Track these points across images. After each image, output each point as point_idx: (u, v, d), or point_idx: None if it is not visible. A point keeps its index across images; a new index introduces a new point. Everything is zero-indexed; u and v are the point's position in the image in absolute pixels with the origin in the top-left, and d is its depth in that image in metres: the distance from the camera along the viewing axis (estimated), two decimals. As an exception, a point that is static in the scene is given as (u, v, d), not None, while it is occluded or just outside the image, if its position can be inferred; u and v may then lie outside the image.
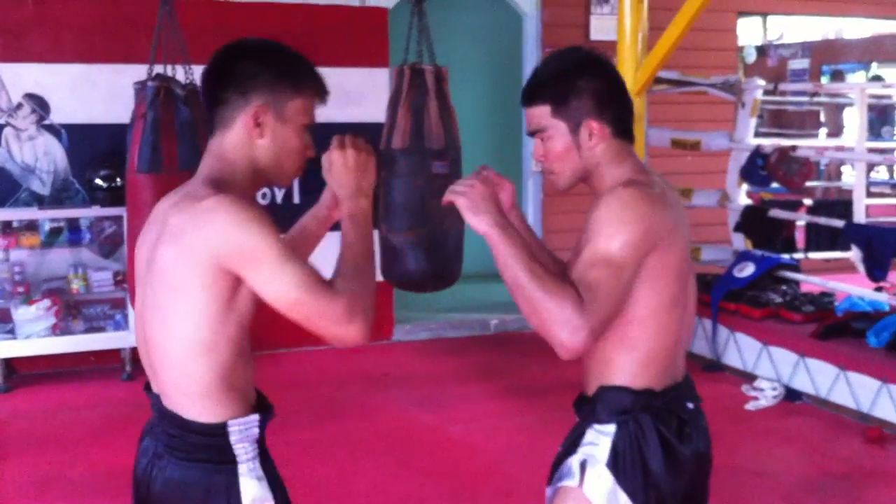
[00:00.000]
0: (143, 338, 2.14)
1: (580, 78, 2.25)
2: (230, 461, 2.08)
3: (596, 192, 2.28)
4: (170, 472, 2.09)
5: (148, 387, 2.21)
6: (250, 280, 1.98)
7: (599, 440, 2.24)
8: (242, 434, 2.09)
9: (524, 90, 2.32)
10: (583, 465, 2.23)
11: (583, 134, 2.25)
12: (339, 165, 2.23)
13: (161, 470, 2.10)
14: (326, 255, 2.31)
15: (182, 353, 2.03)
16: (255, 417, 2.12)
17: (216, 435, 2.07)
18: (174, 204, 2.07)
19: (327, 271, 2.07)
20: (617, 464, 2.20)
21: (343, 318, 1.99)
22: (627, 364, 2.24)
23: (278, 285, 1.96)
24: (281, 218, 2.19)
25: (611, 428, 2.24)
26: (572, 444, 2.31)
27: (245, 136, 2.11)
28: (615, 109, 2.28)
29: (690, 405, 2.33)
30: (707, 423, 2.40)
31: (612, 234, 2.12)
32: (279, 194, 7.22)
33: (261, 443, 2.16)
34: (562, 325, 2.02)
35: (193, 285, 1.98)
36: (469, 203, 2.18)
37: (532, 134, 2.34)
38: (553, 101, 2.25)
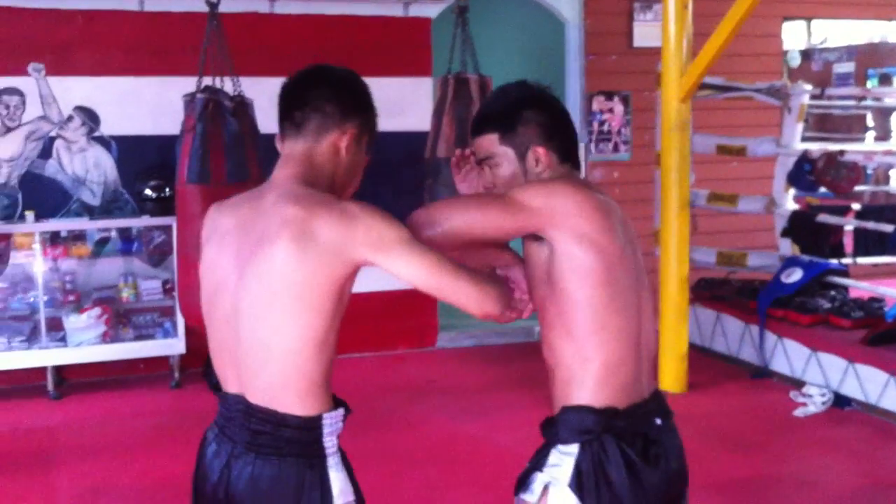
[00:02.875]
0: (232, 337, 2.18)
1: (527, 109, 2.38)
2: (320, 455, 2.16)
3: None
4: (257, 469, 2.13)
5: (217, 387, 2.26)
6: (388, 260, 2.11)
7: (563, 461, 2.25)
8: (332, 428, 2.18)
9: (473, 120, 2.46)
10: (545, 487, 2.26)
11: (530, 160, 2.36)
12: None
13: (243, 468, 2.14)
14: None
15: (297, 347, 2.11)
16: (342, 411, 2.22)
17: (311, 429, 2.15)
18: (285, 204, 2.13)
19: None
20: (580, 484, 2.21)
21: (476, 291, 2.14)
22: (585, 379, 2.26)
23: (417, 261, 2.11)
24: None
25: (574, 448, 2.25)
26: (537, 462, 2.32)
27: (334, 149, 2.27)
28: (560, 138, 2.40)
29: (658, 421, 2.32)
30: (679, 440, 2.39)
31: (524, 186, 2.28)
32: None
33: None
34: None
35: (323, 280, 2.09)
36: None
37: (480, 162, 2.43)
38: (501, 130, 2.37)
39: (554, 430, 2.30)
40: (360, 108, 2.32)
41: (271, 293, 2.10)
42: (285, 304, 2.09)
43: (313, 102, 2.27)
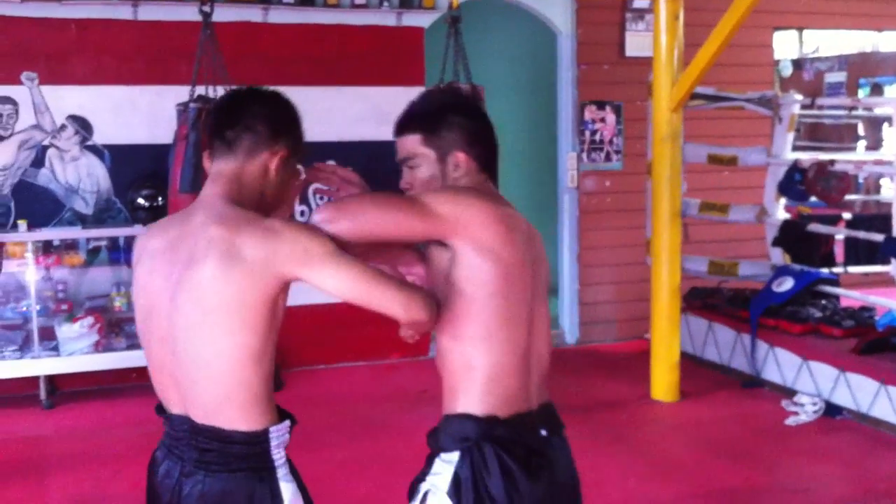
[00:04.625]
0: (170, 359, 2.20)
1: (452, 113, 2.39)
2: (269, 468, 2.17)
3: None
4: (206, 486, 2.15)
5: (161, 409, 2.29)
6: (316, 275, 2.11)
7: (443, 469, 2.28)
8: (279, 440, 2.19)
9: (398, 120, 2.45)
10: (425, 496, 2.29)
11: (449, 164, 2.38)
12: None
13: (193, 486, 2.17)
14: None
15: (235, 364, 2.12)
16: (287, 423, 2.22)
17: (258, 442, 2.16)
18: (213, 224, 2.15)
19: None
20: (458, 492, 2.23)
21: (406, 300, 2.12)
22: (470, 388, 2.27)
23: (345, 274, 2.11)
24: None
25: (454, 456, 2.27)
26: (423, 471, 2.36)
27: (263, 169, 2.28)
28: (482, 146, 2.41)
29: (544, 432, 2.33)
30: (569, 450, 2.40)
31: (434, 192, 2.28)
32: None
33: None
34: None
35: (253, 297, 2.09)
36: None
37: (401, 162, 2.44)
38: (424, 131, 2.39)
39: (436, 438, 2.34)
40: (291, 129, 2.33)
41: (204, 313, 2.11)
42: (218, 322, 2.11)
43: (245, 122, 2.28)
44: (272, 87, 2.40)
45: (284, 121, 2.33)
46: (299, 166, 2.38)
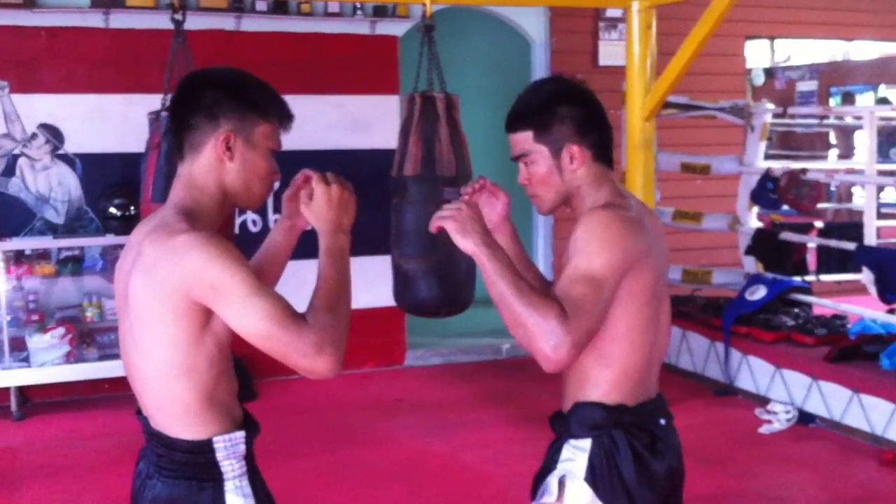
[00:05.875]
0: (126, 363, 2.21)
1: (561, 105, 2.36)
2: (216, 478, 2.13)
3: (576, 214, 2.38)
4: (158, 490, 2.14)
5: (139, 411, 2.26)
6: (221, 314, 2.02)
7: (576, 455, 2.31)
8: (229, 451, 2.13)
9: (508, 117, 2.42)
10: (561, 482, 2.30)
11: (564, 158, 2.36)
12: (323, 201, 2.23)
13: (150, 489, 2.16)
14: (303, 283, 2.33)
15: (160, 375, 2.09)
16: (241, 434, 2.16)
17: (201, 452, 2.12)
18: (147, 234, 2.11)
19: (301, 301, 2.11)
20: (595, 478, 2.27)
21: (312, 350, 1.99)
22: (602, 381, 2.31)
23: (248, 319, 1.99)
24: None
25: (586, 443, 2.30)
26: (551, 459, 2.38)
27: (214, 160, 2.15)
28: (595, 135, 2.39)
29: (662, 421, 2.39)
30: (679, 440, 2.45)
31: (593, 252, 2.20)
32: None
33: (249, 460, 2.19)
34: (546, 337, 2.07)
35: (165, 315, 2.03)
36: (457, 226, 2.24)
37: (516, 159, 2.42)
38: (535, 127, 2.36)
39: (566, 424, 2.36)
40: (229, 105, 2.14)
41: (136, 323, 2.09)
42: (143, 334, 2.08)
43: (178, 121, 2.18)
44: (199, 71, 2.25)
45: (217, 99, 2.14)
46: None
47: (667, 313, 2.45)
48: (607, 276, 2.18)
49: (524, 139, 2.37)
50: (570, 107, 2.36)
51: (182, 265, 1.99)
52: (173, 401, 2.10)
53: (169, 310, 2.02)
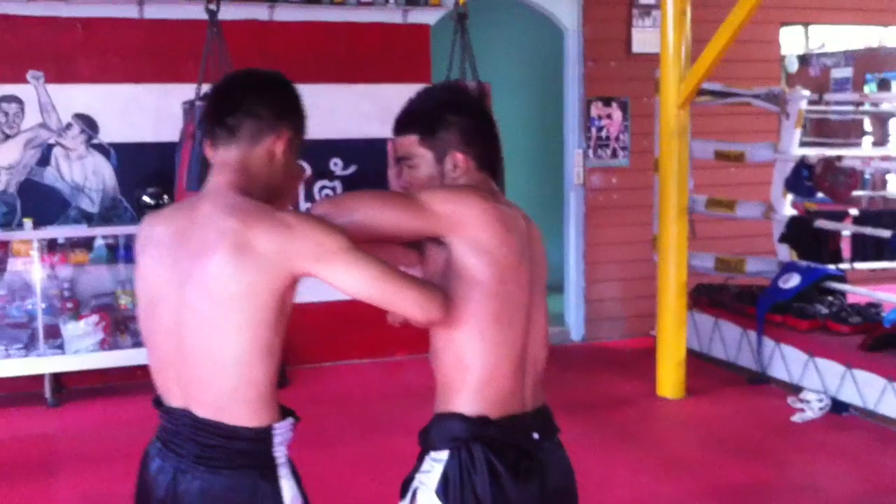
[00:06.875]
0: (175, 352, 2.16)
1: (450, 113, 2.37)
2: (272, 465, 2.15)
3: None
4: (206, 482, 2.11)
5: (159, 402, 2.25)
6: (327, 277, 2.08)
7: (433, 467, 2.28)
8: (282, 438, 2.17)
9: (396, 119, 2.43)
10: (414, 493, 2.29)
11: (447, 164, 2.36)
12: None
13: (191, 482, 2.12)
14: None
15: (244, 359, 2.08)
16: (291, 420, 2.20)
17: (262, 440, 2.13)
18: (227, 215, 2.09)
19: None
20: (446, 491, 2.23)
21: (420, 297, 2.12)
22: (462, 388, 2.28)
23: (359, 278, 2.09)
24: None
25: (444, 455, 2.27)
26: (413, 469, 2.36)
27: (268, 154, 2.22)
28: (480, 145, 2.39)
29: (537, 435, 2.32)
30: (566, 456, 2.39)
31: (435, 191, 2.27)
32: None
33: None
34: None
35: (258, 294, 2.06)
36: None
37: (398, 161, 2.42)
38: (421, 132, 2.36)
39: (427, 437, 2.35)
40: (293, 110, 2.28)
41: (213, 306, 2.07)
42: (229, 316, 2.07)
43: (246, 107, 2.21)
44: (270, 70, 2.33)
45: (286, 102, 2.27)
46: (304, 164, 2.35)
47: (538, 324, 2.37)
48: (426, 202, 2.19)
49: (409, 143, 2.38)
50: (459, 115, 2.37)
51: (288, 237, 2.05)
52: (251, 385, 2.10)
53: (266, 286, 2.05)
